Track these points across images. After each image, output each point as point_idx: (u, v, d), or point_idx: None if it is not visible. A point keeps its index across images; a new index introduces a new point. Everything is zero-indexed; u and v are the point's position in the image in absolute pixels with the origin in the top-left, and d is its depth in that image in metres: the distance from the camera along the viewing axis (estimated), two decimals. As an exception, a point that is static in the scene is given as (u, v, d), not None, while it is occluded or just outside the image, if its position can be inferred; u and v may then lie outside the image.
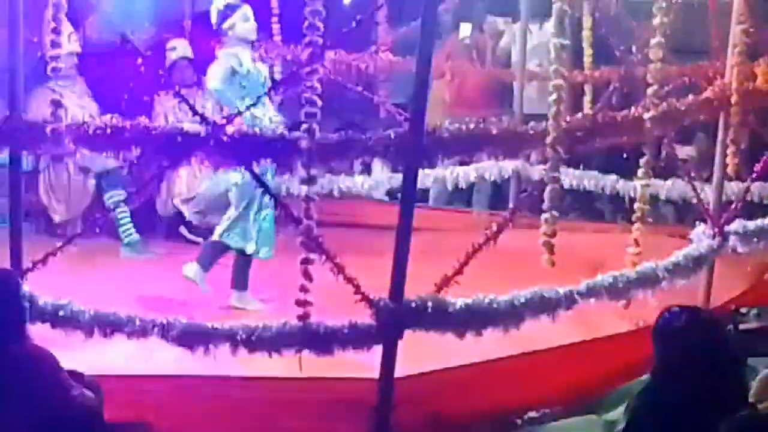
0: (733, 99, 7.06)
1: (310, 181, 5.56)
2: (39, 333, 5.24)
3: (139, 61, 6.85)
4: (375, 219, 8.06)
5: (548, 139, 6.02)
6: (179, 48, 9.48)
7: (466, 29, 10.92)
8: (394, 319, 5.53)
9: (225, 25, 7.47)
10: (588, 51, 9.66)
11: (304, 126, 5.50)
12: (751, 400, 4.63)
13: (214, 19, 7.54)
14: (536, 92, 10.17)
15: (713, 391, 4.37)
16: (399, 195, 9.14)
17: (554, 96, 6.05)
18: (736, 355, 4.63)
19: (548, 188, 6.15)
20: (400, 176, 5.68)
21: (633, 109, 6.63)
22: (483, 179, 9.95)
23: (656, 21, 6.66)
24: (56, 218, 9.05)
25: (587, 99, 9.54)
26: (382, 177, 10.03)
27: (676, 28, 6.81)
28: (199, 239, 9.39)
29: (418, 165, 5.70)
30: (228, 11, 7.48)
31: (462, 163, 9.92)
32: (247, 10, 7.51)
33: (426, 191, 10.43)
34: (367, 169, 10.46)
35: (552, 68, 6.16)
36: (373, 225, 7.95)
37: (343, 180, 9.70)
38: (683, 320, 4.49)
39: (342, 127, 7.11)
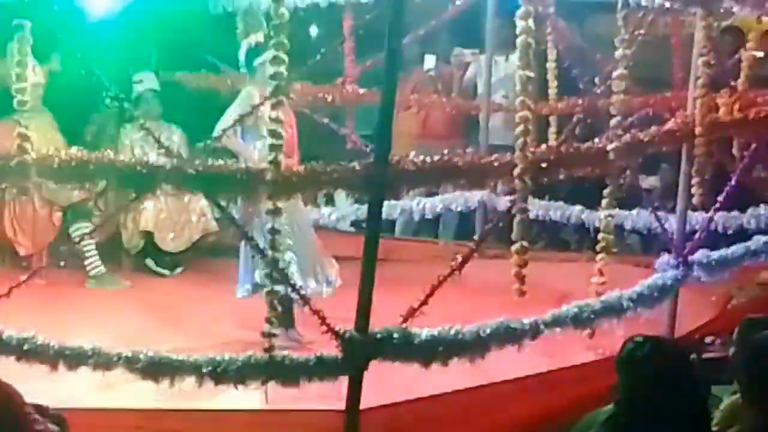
0: (697, 130, 7.12)
1: (275, 212, 5.57)
2: (3, 366, 5.21)
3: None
4: (341, 250, 8.06)
5: (515, 171, 6.05)
6: (145, 80, 9.49)
7: (430, 61, 10.98)
8: (360, 351, 5.53)
9: (255, 63, 7.43)
10: (552, 83, 9.72)
11: (269, 157, 5.53)
12: (714, 429, 4.66)
13: (243, 54, 7.52)
14: (502, 123, 10.22)
15: (677, 420, 4.39)
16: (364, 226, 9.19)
17: (521, 128, 6.09)
18: (700, 384, 4.65)
19: (517, 219, 6.18)
20: (365, 207, 5.69)
21: (597, 140, 6.69)
22: (449, 210, 9.99)
23: (618, 53, 6.72)
24: (21, 251, 9.00)
25: (552, 130, 9.59)
26: (348, 208, 10.06)
27: (639, 59, 6.87)
28: (166, 271, 9.40)
29: (383, 197, 5.72)
30: (257, 49, 7.43)
31: (428, 195, 9.96)
32: None
33: (392, 222, 10.45)
34: (330, 200, 10.46)
35: (518, 100, 6.19)
36: (337, 256, 7.95)
37: (309, 211, 9.71)
38: (647, 349, 4.51)
39: (307, 158, 7.11)
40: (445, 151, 5.97)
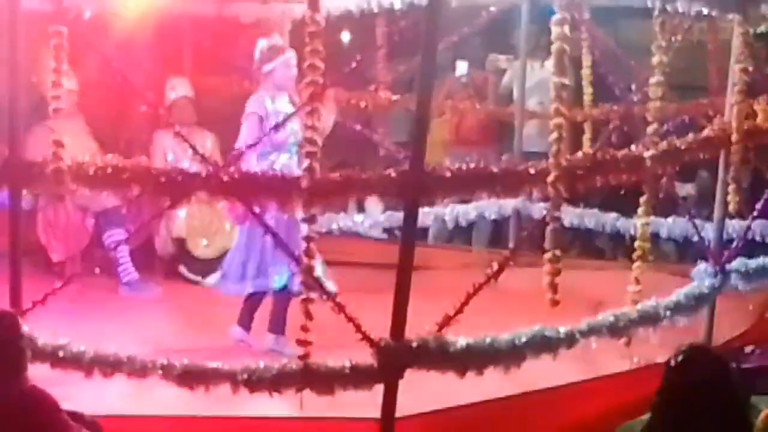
0: (734, 137, 7.06)
1: (310, 220, 5.56)
2: (39, 373, 5.21)
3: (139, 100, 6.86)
4: (373, 257, 8.05)
5: (549, 178, 6.01)
6: (179, 87, 9.49)
7: (462, 67, 10.94)
8: (395, 359, 5.52)
9: (265, 69, 7.39)
10: (587, 89, 9.66)
11: (305, 164, 5.51)
12: (754, 439, 4.61)
13: (256, 57, 7.50)
14: (536, 130, 10.18)
15: (717, 430, 4.35)
16: (396, 233, 9.17)
17: (555, 135, 6.04)
18: (741, 394, 4.60)
19: (550, 227, 6.13)
20: (397, 214, 5.68)
21: (633, 147, 6.64)
22: (483, 217, 9.94)
23: (655, 59, 6.67)
24: (54, 257, 9.01)
25: (586, 137, 9.52)
26: (379, 215, 10.03)
27: (674, 65, 6.83)
28: (198, 278, 9.40)
29: (418, 204, 5.70)
30: (271, 54, 7.41)
31: (461, 202, 9.92)
32: (291, 56, 7.33)
33: (425, 229, 10.41)
34: (360, 207, 10.43)
35: (553, 107, 6.14)
36: (371, 263, 7.93)
37: (342, 218, 9.70)
38: (686, 356, 4.48)
39: (340, 164, 7.10)
40: (477, 158, 5.93)
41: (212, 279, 7.96)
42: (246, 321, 7.37)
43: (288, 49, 7.42)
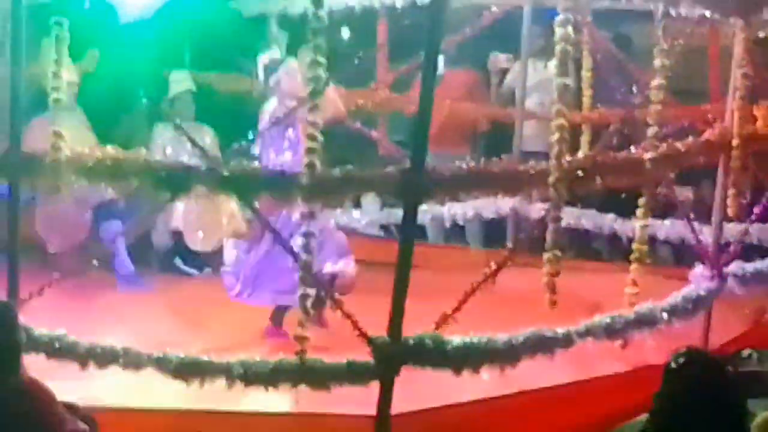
0: (734, 142, 7.06)
1: (310, 216, 5.56)
2: (34, 364, 5.21)
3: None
4: (370, 254, 8.04)
5: (550, 179, 6.00)
6: (183, 80, 9.48)
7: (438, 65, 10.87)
8: (391, 357, 5.51)
9: (271, 82, 7.40)
10: (587, 92, 9.66)
11: (305, 161, 5.51)
12: (750, 443, 4.61)
13: (261, 76, 7.50)
14: (534, 130, 10.14)
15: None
16: (393, 230, 9.15)
17: (557, 136, 6.03)
18: (738, 398, 4.60)
19: (550, 228, 6.12)
20: (394, 211, 5.66)
21: (633, 149, 6.64)
22: (480, 217, 9.94)
23: (657, 63, 6.67)
24: (51, 249, 9.00)
25: (585, 139, 9.51)
26: (376, 211, 10.01)
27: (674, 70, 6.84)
28: (194, 271, 9.39)
29: (418, 203, 5.69)
30: (273, 66, 7.42)
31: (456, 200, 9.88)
32: (293, 65, 7.35)
33: (422, 228, 10.38)
34: (356, 203, 10.41)
35: (554, 108, 6.13)
36: (368, 261, 7.92)
37: (339, 214, 9.69)
38: (683, 360, 4.48)
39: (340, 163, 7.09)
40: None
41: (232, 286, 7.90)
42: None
43: (288, 59, 7.44)
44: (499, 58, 10.76)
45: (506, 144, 10.24)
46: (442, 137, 10.27)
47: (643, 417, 4.73)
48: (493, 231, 10.43)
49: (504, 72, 10.86)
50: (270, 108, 7.45)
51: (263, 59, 7.52)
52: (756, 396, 5.55)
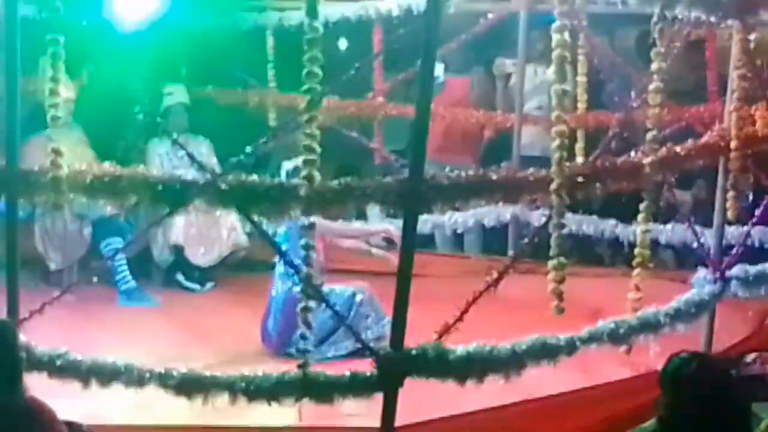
0: (733, 144, 7.04)
1: (309, 228, 5.53)
2: (36, 383, 5.18)
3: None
4: (374, 265, 8.02)
5: (552, 186, 5.97)
6: (176, 93, 9.48)
7: (438, 70, 10.85)
8: (394, 368, 5.49)
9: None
10: (582, 96, 9.64)
11: (303, 172, 5.48)
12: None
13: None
14: (533, 135, 10.12)
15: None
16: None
17: (557, 142, 6.00)
18: (743, 402, 4.59)
19: (554, 235, 6.08)
20: (397, 222, 5.64)
21: (632, 154, 6.61)
22: (482, 225, 9.92)
23: (654, 66, 6.65)
24: (52, 266, 8.99)
25: (580, 145, 9.44)
26: (380, 222, 9.99)
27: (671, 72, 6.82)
28: (197, 286, 9.37)
29: (418, 212, 5.67)
30: (295, 174, 7.38)
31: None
32: None
33: (423, 237, 10.34)
34: (361, 215, 10.38)
35: (554, 114, 6.10)
36: (372, 271, 7.92)
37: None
38: (693, 367, 4.46)
39: (337, 172, 7.07)
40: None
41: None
42: None
43: None
44: (504, 63, 10.71)
45: (506, 149, 10.24)
46: (447, 145, 10.36)
47: (650, 423, 4.72)
48: (491, 239, 10.42)
49: (509, 77, 10.81)
50: None
51: (287, 165, 7.47)
52: (761, 400, 5.54)
